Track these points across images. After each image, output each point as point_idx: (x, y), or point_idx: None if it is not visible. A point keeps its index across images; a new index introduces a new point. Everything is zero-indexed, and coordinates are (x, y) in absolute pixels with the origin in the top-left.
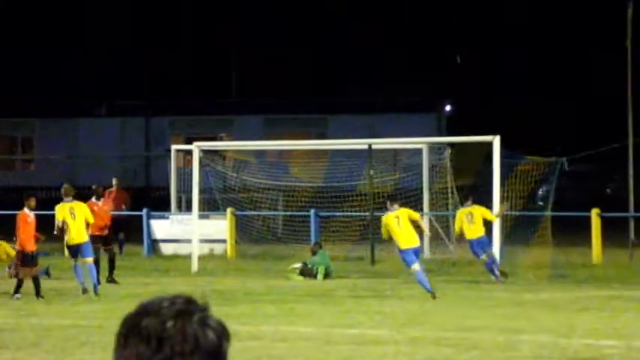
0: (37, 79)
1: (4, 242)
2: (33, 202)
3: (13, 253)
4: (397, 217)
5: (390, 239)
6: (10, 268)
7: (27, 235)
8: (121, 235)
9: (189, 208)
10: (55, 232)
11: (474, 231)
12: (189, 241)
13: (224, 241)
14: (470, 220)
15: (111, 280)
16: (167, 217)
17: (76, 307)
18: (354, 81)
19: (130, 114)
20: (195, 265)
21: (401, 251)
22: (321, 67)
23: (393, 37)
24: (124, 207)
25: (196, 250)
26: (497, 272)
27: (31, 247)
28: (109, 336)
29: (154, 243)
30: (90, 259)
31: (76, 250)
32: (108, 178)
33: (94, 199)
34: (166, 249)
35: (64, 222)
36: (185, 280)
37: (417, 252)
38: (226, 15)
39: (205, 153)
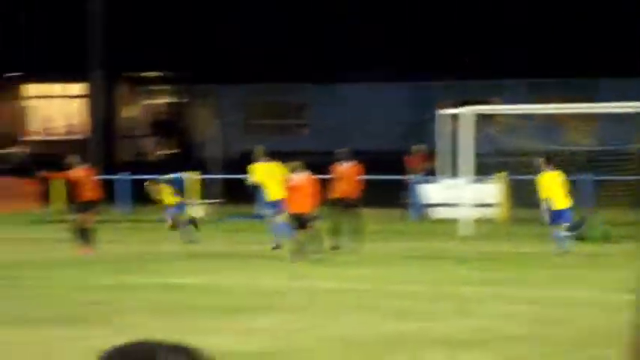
0: (305, 47)
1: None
2: (295, 166)
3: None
4: (556, 177)
5: (543, 199)
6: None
7: (291, 198)
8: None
9: (459, 173)
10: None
11: None
12: (459, 205)
13: (495, 205)
14: None
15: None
16: (437, 182)
17: (346, 271)
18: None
19: (399, 79)
20: (464, 229)
21: (554, 211)
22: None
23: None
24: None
25: (467, 214)
26: None
27: (296, 208)
28: (377, 299)
29: (424, 207)
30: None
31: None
32: (379, 142)
33: (339, 163)
34: (436, 213)
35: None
36: (453, 244)
37: (568, 214)
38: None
39: (475, 117)
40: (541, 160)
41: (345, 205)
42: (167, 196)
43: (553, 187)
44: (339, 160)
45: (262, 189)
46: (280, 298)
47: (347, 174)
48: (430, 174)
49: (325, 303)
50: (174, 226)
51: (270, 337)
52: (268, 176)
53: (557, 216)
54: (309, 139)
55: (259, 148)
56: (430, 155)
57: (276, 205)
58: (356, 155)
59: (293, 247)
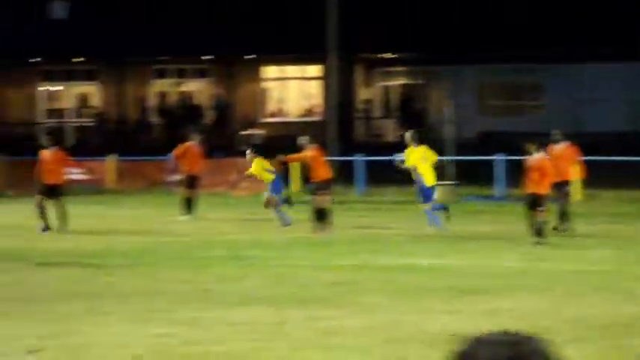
0: (540, 27)
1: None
2: (532, 147)
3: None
4: None
5: None
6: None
7: (528, 179)
8: None
9: None
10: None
11: None
12: None
13: None
14: None
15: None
16: None
17: (584, 253)
18: None
19: (636, 59)
20: None
21: None
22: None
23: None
24: None
25: None
26: None
27: (532, 189)
28: (618, 281)
29: None
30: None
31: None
32: (614, 124)
33: (554, 146)
34: None
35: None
36: None
37: None
38: None
39: None
40: None
41: (556, 186)
42: (261, 171)
43: None
44: (554, 141)
45: (417, 174)
46: (519, 280)
47: (562, 155)
48: None
49: (565, 284)
50: (267, 205)
51: (510, 318)
52: (422, 161)
53: None
54: (545, 119)
55: (410, 133)
56: None
57: (431, 190)
58: (591, 136)
59: (531, 229)
